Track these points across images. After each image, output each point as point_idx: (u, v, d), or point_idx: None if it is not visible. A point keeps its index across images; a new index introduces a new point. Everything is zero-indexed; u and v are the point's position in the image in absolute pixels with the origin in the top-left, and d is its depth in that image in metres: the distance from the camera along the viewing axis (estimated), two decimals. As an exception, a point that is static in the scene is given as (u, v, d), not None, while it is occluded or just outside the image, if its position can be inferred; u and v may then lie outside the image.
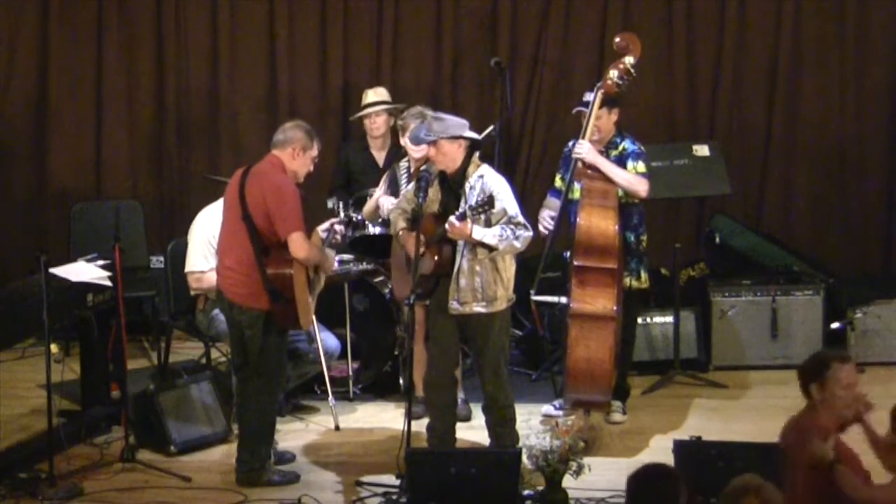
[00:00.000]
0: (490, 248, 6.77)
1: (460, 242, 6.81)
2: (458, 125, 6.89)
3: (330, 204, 8.36)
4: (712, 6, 9.55)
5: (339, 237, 7.46)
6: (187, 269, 7.77)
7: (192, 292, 7.87)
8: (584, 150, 7.55)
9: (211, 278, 7.35)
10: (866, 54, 9.52)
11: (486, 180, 6.83)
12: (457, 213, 6.73)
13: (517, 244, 6.79)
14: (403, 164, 7.99)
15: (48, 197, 9.81)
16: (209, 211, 7.80)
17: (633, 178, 7.59)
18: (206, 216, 7.79)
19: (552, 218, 7.76)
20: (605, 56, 9.19)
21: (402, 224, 7.07)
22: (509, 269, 6.94)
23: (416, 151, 7.66)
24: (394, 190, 7.86)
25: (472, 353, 7.10)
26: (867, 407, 5.67)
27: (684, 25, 9.55)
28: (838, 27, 9.50)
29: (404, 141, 7.85)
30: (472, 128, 7.01)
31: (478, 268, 6.82)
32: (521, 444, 6.85)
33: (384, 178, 8.10)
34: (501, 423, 7.05)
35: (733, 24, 9.52)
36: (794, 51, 9.52)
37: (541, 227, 7.82)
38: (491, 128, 8.26)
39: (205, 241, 7.66)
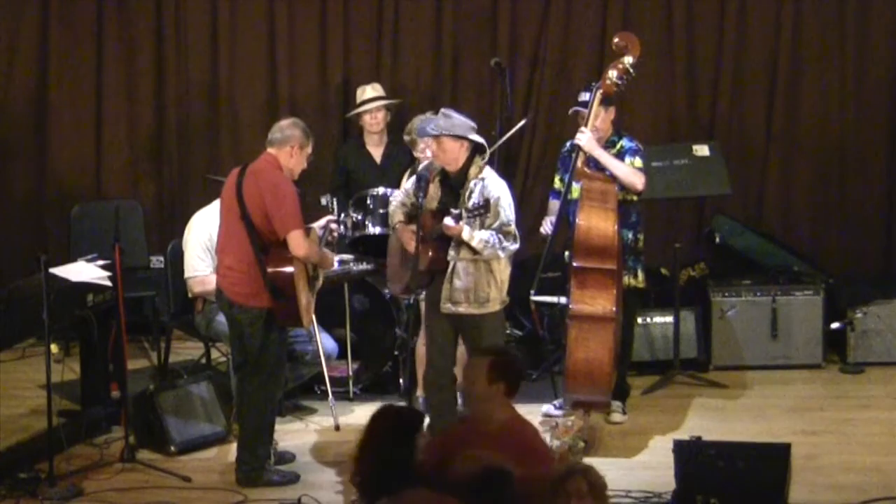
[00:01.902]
0: (474, 251, 6.78)
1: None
2: (465, 126, 6.88)
3: (324, 201, 8.35)
4: (712, 6, 9.54)
5: (335, 234, 7.47)
6: (187, 274, 7.76)
7: (192, 296, 7.86)
8: (585, 138, 7.56)
9: (213, 281, 7.32)
10: (866, 54, 9.52)
11: (487, 184, 6.84)
12: (453, 212, 6.74)
13: (501, 254, 6.82)
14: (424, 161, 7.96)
15: (48, 197, 9.80)
16: (203, 215, 7.81)
17: (629, 171, 7.60)
18: (200, 220, 7.79)
19: (552, 223, 7.77)
20: (605, 56, 9.18)
21: (399, 217, 7.09)
22: (504, 271, 6.94)
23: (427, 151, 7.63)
24: None
25: (466, 353, 7.06)
26: None
27: (684, 25, 9.54)
28: (838, 27, 9.49)
29: (418, 154, 7.83)
30: (481, 134, 7.00)
31: (472, 269, 6.83)
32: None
33: (407, 175, 8.04)
34: None
35: (733, 24, 9.51)
36: (794, 51, 9.51)
37: (542, 229, 7.84)
38: (523, 121, 8.31)
39: (201, 245, 7.66)
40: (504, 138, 8.18)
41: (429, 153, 7.59)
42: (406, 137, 8.04)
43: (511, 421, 5.59)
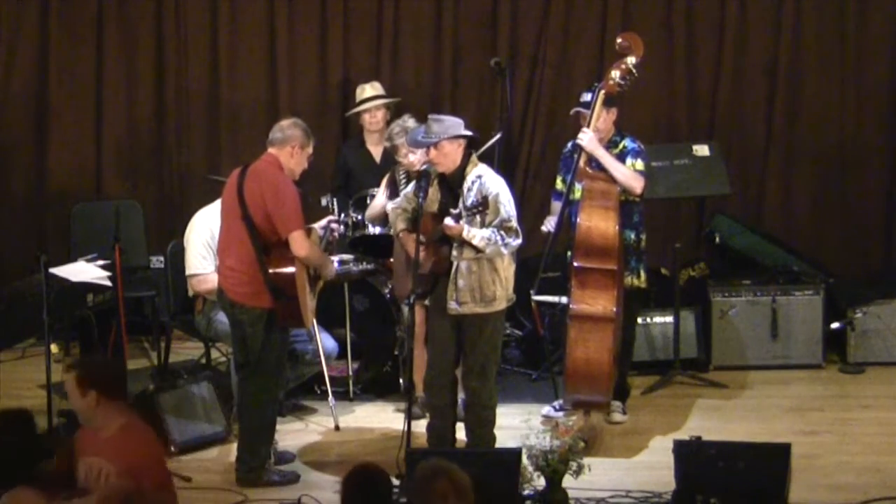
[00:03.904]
0: (476, 250, 6.78)
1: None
2: (456, 124, 6.90)
3: (324, 202, 8.37)
4: (712, 6, 9.54)
5: (336, 234, 7.47)
6: (189, 272, 7.76)
7: (191, 294, 7.86)
8: (587, 138, 7.57)
9: (215, 279, 7.32)
10: (866, 54, 9.52)
11: (485, 181, 6.83)
12: (452, 212, 6.74)
13: (504, 251, 6.81)
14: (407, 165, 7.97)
15: (48, 197, 9.80)
16: (205, 213, 7.80)
17: (629, 173, 7.60)
18: (203, 218, 7.79)
19: (553, 222, 7.76)
20: (605, 56, 9.20)
21: (402, 225, 7.07)
22: (508, 268, 6.93)
23: (415, 160, 7.65)
24: (393, 191, 7.85)
25: (463, 350, 7.01)
26: None
27: (684, 25, 9.54)
28: (838, 27, 9.49)
29: (400, 158, 7.85)
30: (471, 127, 7.02)
31: (475, 268, 6.82)
32: (521, 444, 6.83)
33: (385, 180, 8.10)
34: (481, 425, 7.02)
35: (733, 24, 9.51)
36: (794, 51, 9.52)
37: (544, 227, 7.84)
38: (498, 135, 8.30)
39: (203, 243, 7.66)
40: (479, 152, 8.15)
41: (411, 157, 7.63)
42: (386, 144, 8.05)
43: (125, 427, 5.58)
